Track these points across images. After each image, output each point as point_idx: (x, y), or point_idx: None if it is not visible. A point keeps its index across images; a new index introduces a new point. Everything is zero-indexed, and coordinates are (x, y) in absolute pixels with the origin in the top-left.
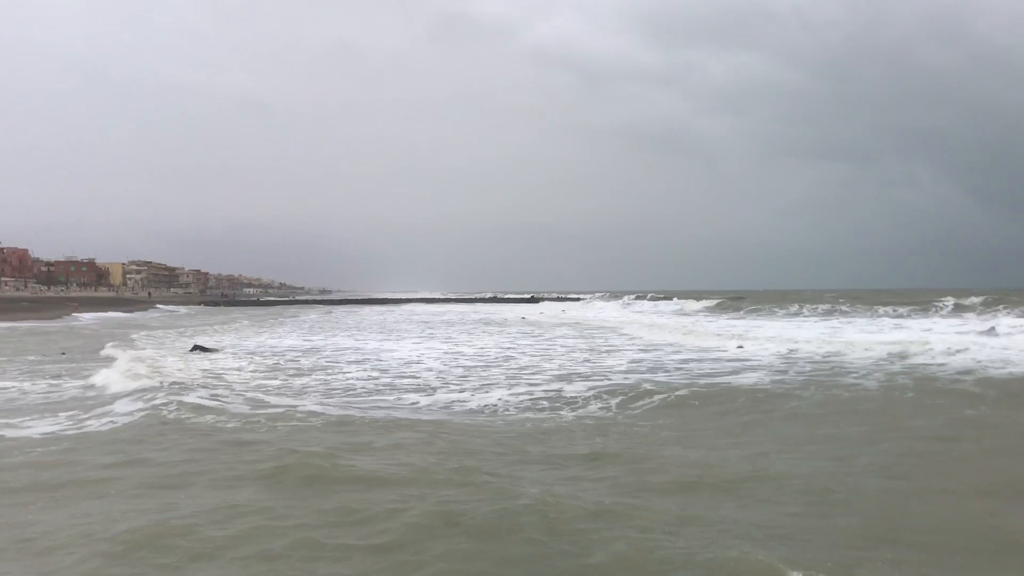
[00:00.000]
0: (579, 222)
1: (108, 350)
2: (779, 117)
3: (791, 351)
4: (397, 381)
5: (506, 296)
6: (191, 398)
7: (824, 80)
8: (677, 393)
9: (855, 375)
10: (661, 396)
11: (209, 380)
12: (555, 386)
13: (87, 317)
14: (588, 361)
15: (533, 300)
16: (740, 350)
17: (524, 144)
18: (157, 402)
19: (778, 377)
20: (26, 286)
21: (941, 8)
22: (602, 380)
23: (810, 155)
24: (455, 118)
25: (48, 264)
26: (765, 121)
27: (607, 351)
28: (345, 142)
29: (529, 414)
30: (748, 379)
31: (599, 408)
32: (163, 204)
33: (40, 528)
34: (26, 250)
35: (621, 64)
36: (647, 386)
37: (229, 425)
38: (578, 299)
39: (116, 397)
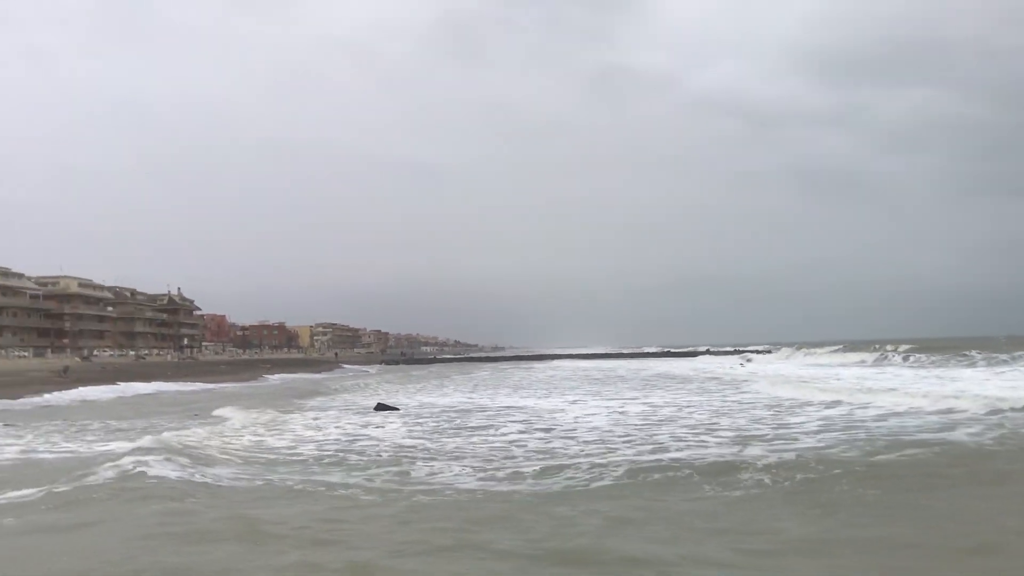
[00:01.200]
0: (745, 270)
1: (221, 411)
2: (961, 154)
3: (998, 403)
4: (557, 444)
5: (674, 350)
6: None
7: (1011, 111)
8: (890, 458)
9: None
10: (867, 464)
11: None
12: (729, 450)
13: (275, 379)
14: (767, 420)
15: (708, 353)
16: (941, 402)
17: (688, 194)
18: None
19: (995, 433)
20: (224, 350)
21: None
22: (788, 443)
23: (999, 192)
24: (617, 171)
25: (243, 328)
26: (946, 158)
27: (789, 408)
28: (508, 200)
29: (698, 484)
30: (963, 437)
31: (784, 481)
32: (345, 268)
33: None
34: (224, 316)
35: (788, 107)
36: (847, 450)
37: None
38: (750, 352)
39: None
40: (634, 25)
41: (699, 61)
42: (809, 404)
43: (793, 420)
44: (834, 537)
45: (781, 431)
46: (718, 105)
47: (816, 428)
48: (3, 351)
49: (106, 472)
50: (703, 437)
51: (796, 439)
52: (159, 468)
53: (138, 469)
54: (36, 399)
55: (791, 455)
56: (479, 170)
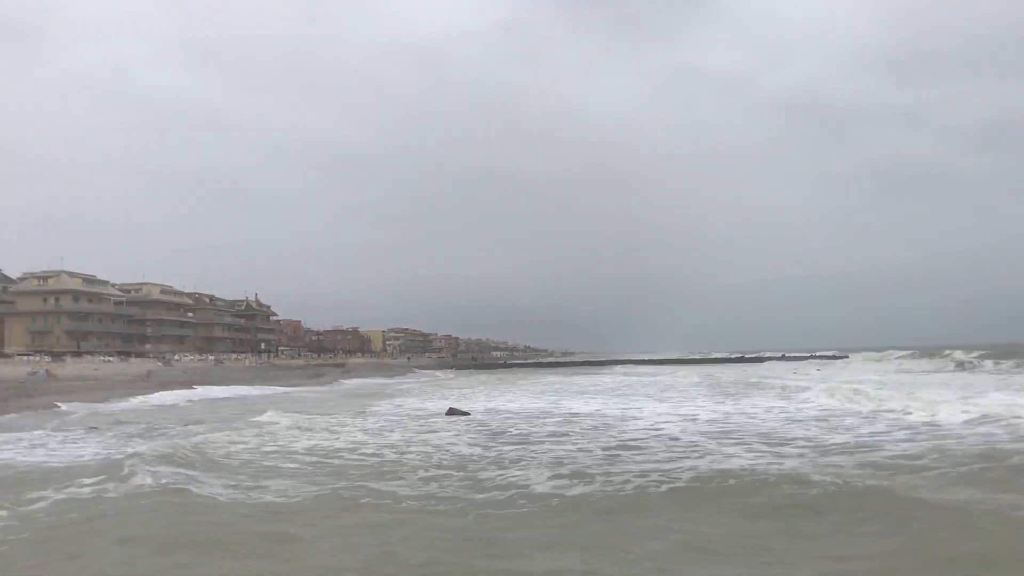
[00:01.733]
0: (818, 273)
1: (267, 415)
2: None
3: None
4: (626, 453)
5: (746, 355)
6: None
7: None
8: (984, 467)
9: None
10: (955, 474)
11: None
12: (808, 461)
13: (349, 383)
14: (845, 428)
15: (782, 359)
16: None
17: (760, 196)
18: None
19: None
20: (300, 355)
21: None
22: (870, 452)
23: None
24: (687, 173)
25: (317, 334)
26: None
27: (868, 416)
28: (577, 204)
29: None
30: None
31: (867, 495)
32: (416, 272)
33: None
34: (299, 321)
35: (866, 106)
36: (937, 460)
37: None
38: (825, 357)
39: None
40: (704, 24)
41: (773, 61)
42: (888, 411)
43: (873, 429)
44: (914, 558)
45: (862, 440)
46: (792, 105)
47: (903, 436)
48: (89, 355)
49: (145, 479)
50: (778, 447)
51: (878, 448)
52: (206, 478)
53: (175, 480)
54: (121, 403)
55: (872, 467)
56: (548, 174)
